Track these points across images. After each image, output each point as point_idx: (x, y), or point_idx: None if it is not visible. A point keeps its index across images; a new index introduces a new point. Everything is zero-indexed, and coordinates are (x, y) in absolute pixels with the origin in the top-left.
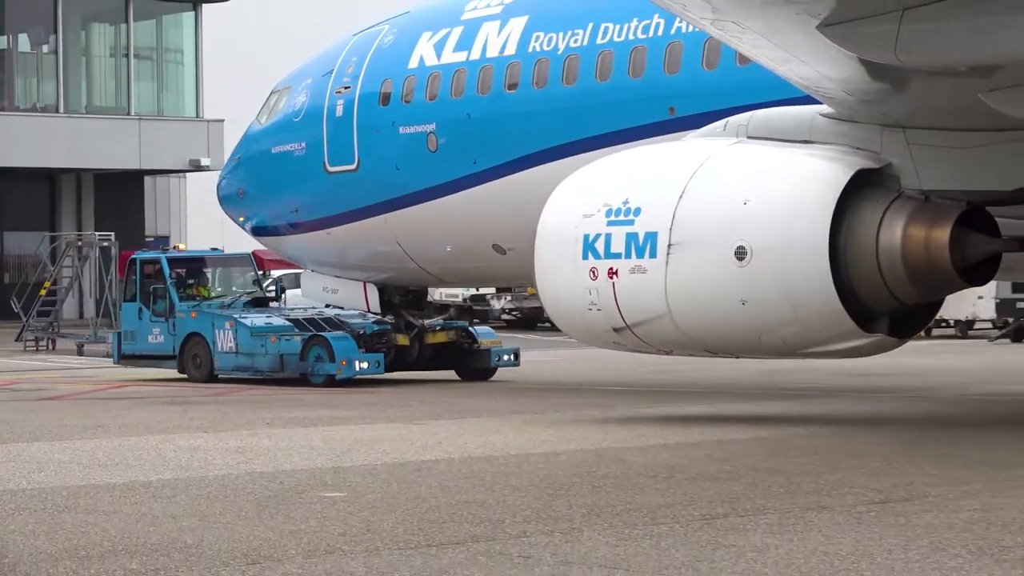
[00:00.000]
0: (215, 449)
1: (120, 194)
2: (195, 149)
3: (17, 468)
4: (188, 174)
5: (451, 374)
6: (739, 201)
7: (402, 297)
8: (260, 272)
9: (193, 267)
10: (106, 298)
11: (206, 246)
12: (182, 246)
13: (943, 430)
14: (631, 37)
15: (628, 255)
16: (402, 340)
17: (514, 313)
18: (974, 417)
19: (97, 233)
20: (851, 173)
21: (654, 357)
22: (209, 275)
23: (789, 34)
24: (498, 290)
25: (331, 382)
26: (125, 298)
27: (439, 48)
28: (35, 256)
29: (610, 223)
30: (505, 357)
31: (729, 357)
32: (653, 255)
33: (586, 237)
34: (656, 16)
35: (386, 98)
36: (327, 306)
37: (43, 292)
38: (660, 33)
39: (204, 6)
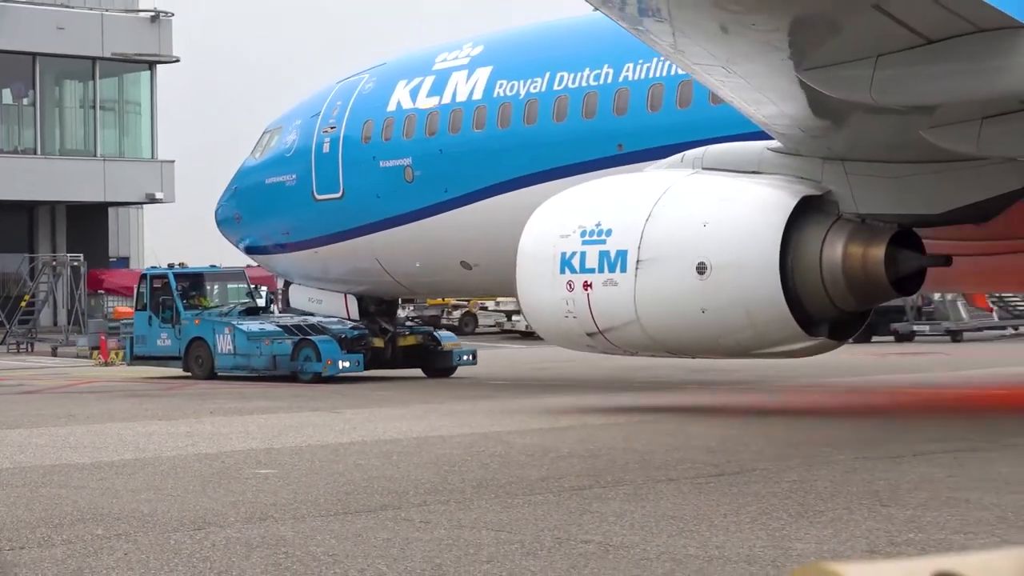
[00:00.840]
0: (167, 434)
1: (87, 222)
2: (150, 185)
3: (0, 451)
4: (145, 205)
5: (422, 371)
6: (699, 223)
7: (377, 306)
8: (253, 287)
9: (195, 281)
10: (76, 308)
11: (158, 264)
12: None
13: (768, 416)
14: (584, 84)
15: (601, 270)
16: (378, 343)
17: (416, 320)
18: (793, 404)
19: (68, 255)
20: (797, 199)
21: (534, 357)
22: (208, 288)
23: (770, 78)
24: (403, 300)
25: (318, 379)
26: (137, 308)
27: (414, 94)
28: (16, 274)
29: (584, 242)
30: (465, 357)
31: (688, 357)
32: (624, 270)
33: (563, 255)
34: (606, 66)
35: (368, 136)
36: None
37: (23, 304)
38: (610, 81)
39: (158, 67)
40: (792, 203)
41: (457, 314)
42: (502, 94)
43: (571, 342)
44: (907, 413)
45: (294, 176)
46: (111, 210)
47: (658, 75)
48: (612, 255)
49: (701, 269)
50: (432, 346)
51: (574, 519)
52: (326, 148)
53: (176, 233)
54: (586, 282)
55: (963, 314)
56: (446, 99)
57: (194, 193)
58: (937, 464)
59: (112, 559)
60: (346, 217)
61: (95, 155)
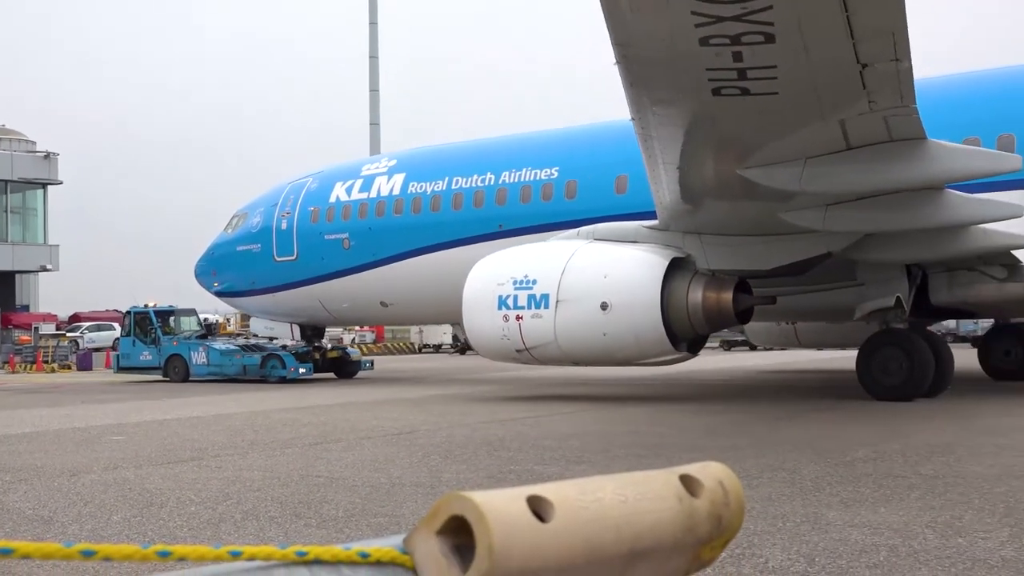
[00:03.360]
0: (52, 415)
1: (1, 283)
2: (43, 260)
3: None
4: (40, 272)
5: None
6: (602, 275)
7: (312, 331)
8: (204, 319)
9: (164, 315)
10: None
11: (56, 312)
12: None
13: (433, 399)
14: (474, 185)
15: (530, 307)
16: (315, 355)
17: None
18: (450, 392)
19: None
20: (669, 259)
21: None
22: (171, 320)
23: (712, 176)
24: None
25: (282, 381)
26: (123, 334)
27: (349, 191)
28: None
29: (516, 288)
30: (367, 364)
31: (589, 366)
32: (546, 307)
33: (500, 296)
34: (489, 173)
35: (315, 219)
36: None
37: None
38: (492, 183)
39: (49, 187)
40: (666, 262)
41: None
42: (414, 191)
43: (503, 356)
44: (519, 397)
45: (259, 245)
46: (17, 275)
47: (527, 179)
48: (538, 297)
49: (604, 307)
50: (345, 358)
51: (311, 463)
52: (283, 226)
53: (60, 291)
54: (518, 315)
55: None
56: (373, 194)
57: (72, 266)
58: (527, 425)
59: (16, 495)
60: (298, 272)
61: (7, 241)
